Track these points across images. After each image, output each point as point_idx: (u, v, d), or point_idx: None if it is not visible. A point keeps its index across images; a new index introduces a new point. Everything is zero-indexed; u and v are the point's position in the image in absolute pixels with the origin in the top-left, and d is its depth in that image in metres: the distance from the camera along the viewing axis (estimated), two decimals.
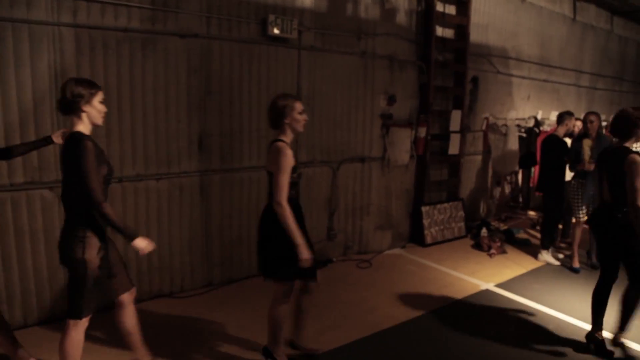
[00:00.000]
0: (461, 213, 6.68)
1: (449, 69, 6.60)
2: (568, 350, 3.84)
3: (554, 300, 4.79)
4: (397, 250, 6.09)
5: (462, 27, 6.65)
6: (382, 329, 4.05)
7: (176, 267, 4.52)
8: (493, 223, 6.88)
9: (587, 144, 5.37)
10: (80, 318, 2.71)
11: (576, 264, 5.65)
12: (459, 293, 4.85)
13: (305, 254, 3.03)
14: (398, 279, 5.20)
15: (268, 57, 4.86)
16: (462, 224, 6.67)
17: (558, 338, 4.02)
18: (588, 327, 4.16)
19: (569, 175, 5.76)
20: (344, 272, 5.33)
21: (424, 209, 6.26)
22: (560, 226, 6.39)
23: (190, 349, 3.61)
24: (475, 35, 6.92)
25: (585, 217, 5.62)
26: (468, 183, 7.14)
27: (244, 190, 4.86)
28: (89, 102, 2.67)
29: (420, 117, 6.08)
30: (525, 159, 7.11)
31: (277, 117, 3.13)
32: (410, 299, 4.66)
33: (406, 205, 6.27)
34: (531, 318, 4.41)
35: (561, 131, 5.72)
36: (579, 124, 5.98)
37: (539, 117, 7.80)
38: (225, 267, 4.83)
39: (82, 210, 2.67)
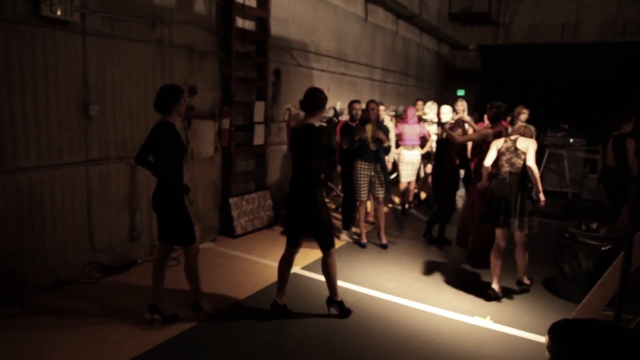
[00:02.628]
0: (269, 202, 6.88)
1: (251, 61, 6.69)
2: (363, 318, 4.24)
3: (351, 275, 5.25)
4: (207, 245, 6.00)
5: (263, 19, 6.78)
6: (188, 327, 3.95)
7: None
8: None
9: (369, 128, 5.94)
10: (334, 246, 4.16)
11: (364, 240, 6.27)
12: (267, 280, 4.99)
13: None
14: (207, 273, 5.12)
15: (44, 42, 4.29)
16: (270, 213, 6.88)
17: (355, 308, 4.41)
18: (377, 294, 4.67)
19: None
20: (150, 273, 5.04)
21: (232, 200, 6.28)
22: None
23: None
24: (277, 29, 7.13)
25: (365, 197, 6.17)
26: (275, 172, 7.38)
27: (22, 194, 4.24)
28: (323, 105, 4.14)
29: (223, 109, 6.05)
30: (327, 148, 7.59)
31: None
32: (219, 293, 4.64)
33: (214, 198, 6.21)
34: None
35: (349, 117, 6.34)
36: (382, 107, 6.62)
37: (338, 107, 8.42)
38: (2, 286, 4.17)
39: (312, 176, 3.97)
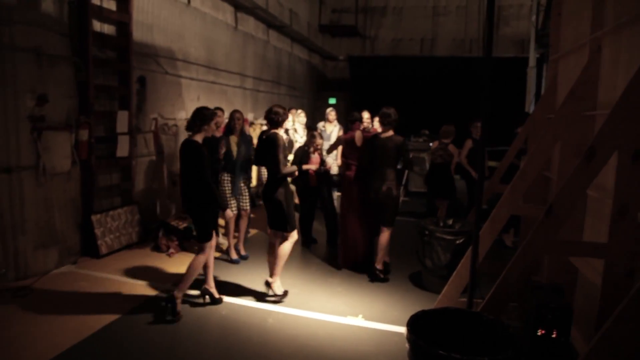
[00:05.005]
0: (138, 217, 6.47)
1: (112, 68, 6.27)
2: (240, 329, 4.16)
3: (221, 289, 4.96)
4: (66, 268, 5.46)
5: (124, 24, 6.39)
6: None
7: None
8: (173, 222, 6.91)
9: (233, 140, 5.85)
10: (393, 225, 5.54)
11: (234, 256, 6.05)
12: (134, 301, 4.67)
13: None
14: (66, 300, 4.65)
15: None
16: (139, 228, 6.48)
17: (232, 320, 4.32)
18: (253, 304, 4.62)
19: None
20: None
21: (94, 217, 5.78)
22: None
23: None
24: (140, 34, 6.77)
25: (235, 211, 6.02)
26: (143, 185, 6.95)
27: None
28: (398, 119, 5.58)
29: (80, 119, 5.55)
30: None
31: None
32: (78, 321, 4.19)
33: (74, 216, 5.66)
34: (199, 308, 4.61)
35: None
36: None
37: None
38: None
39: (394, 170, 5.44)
